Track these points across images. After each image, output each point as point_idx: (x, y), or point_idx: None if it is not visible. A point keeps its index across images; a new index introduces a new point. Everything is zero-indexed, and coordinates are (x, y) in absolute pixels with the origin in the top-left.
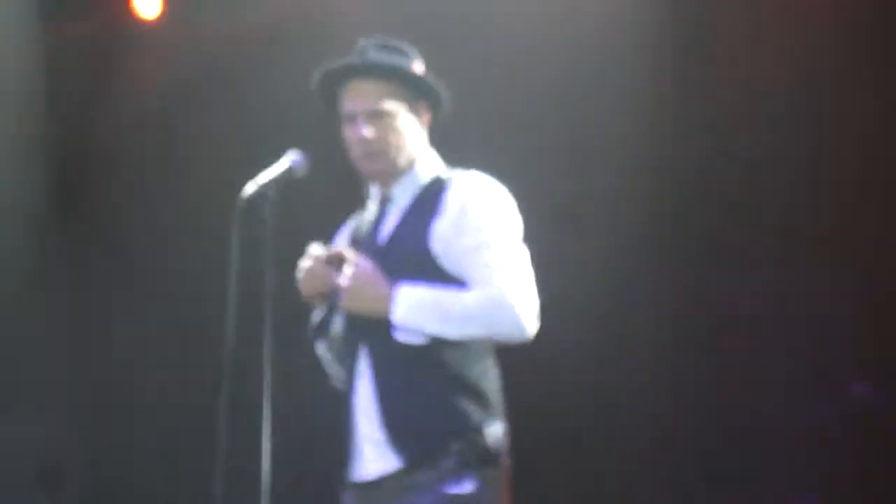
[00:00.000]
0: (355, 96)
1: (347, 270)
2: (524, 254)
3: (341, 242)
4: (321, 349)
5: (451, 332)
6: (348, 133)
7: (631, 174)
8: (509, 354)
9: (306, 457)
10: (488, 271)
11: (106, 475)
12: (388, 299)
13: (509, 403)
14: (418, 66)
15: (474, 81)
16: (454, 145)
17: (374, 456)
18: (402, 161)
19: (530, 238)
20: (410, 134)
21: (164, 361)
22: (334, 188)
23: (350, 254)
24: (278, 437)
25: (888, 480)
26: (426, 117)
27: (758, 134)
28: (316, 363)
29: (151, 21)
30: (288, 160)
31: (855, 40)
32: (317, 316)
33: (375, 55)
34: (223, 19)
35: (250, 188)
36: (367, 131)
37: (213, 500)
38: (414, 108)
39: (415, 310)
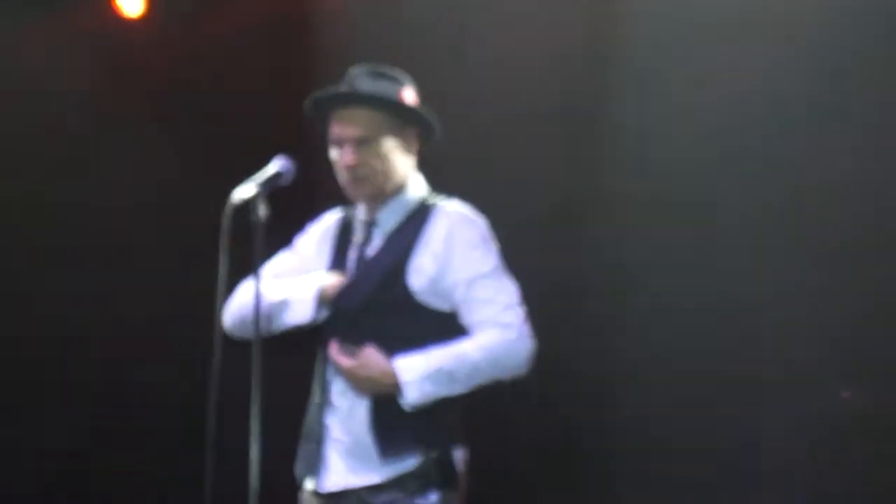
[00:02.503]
0: (344, 123)
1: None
2: (512, 282)
3: (322, 247)
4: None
5: (461, 390)
6: (336, 158)
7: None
8: None
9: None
10: (485, 306)
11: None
12: (394, 385)
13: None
14: (408, 93)
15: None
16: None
17: (340, 468)
18: (388, 186)
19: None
20: (396, 160)
21: (155, 364)
22: (322, 191)
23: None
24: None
25: (876, 483)
26: (414, 143)
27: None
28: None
29: (134, 19)
30: (276, 165)
31: None
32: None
33: (364, 83)
34: (207, 17)
35: (238, 193)
36: (353, 158)
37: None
38: (401, 135)
39: (424, 388)
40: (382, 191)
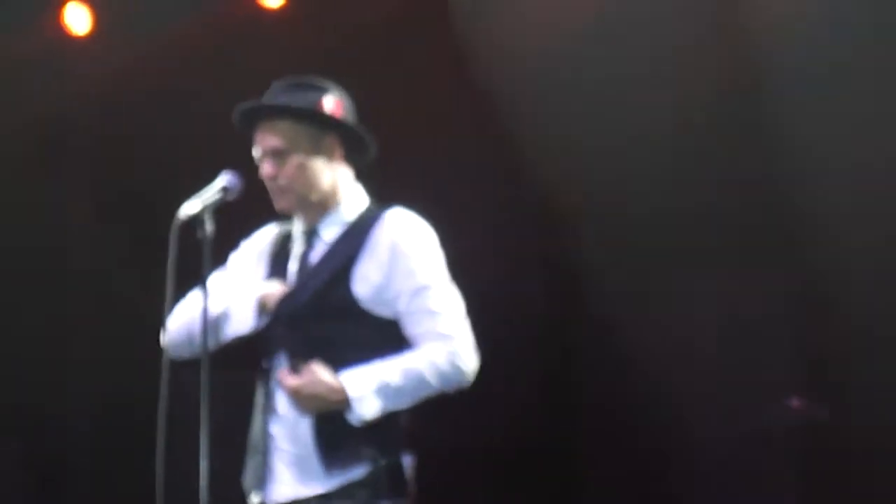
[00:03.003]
0: (260, 137)
1: (293, 382)
2: (457, 293)
3: (260, 259)
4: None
5: (407, 404)
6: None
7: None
8: None
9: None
10: (429, 318)
11: None
12: (342, 401)
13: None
14: (328, 101)
15: None
16: None
17: (288, 479)
18: (312, 196)
19: None
20: (316, 169)
21: (103, 379)
22: (269, 205)
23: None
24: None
25: (827, 493)
26: (337, 152)
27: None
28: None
29: (82, 37)
30: (222, 181)
31: None
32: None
33: (279, 95)
34: (154, 35)
35: (185, 209)
36: (269, 170)
37: None
38: (318, 144)
39: (373, 403)
40: (306, 201)
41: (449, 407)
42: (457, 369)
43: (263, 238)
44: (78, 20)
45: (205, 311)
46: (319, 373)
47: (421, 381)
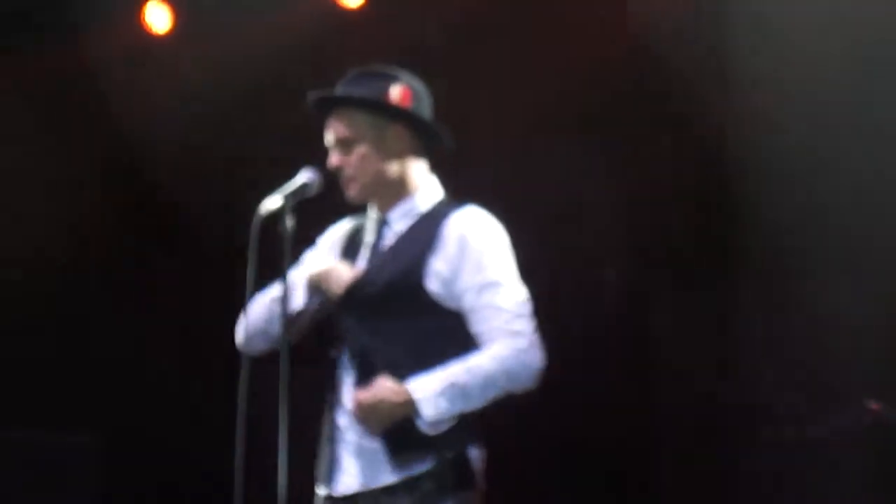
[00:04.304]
0: (329, 126)
1: (358, 397)
2: (524, 291)
3: (331, 250)
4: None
5: (476, 405)
6: None
7: None
8: None
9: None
10: (496, 314)
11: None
12: (409, 406)
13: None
14: (395, 91)
15: None
16: None
17: (354, 470)
18: (379, 186)
19: None
20: (381, 158)
21: (181, 373)
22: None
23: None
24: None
25: None
26: (405, 141)
27: None
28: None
29: (162, 36)
30: (303, 177)
31: None
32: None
33: (346, 86)
34: (232, 34)
35: (266, 204)
36: (336, 159)
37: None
38: (383, 134)
39: (440, 404)
40: (373, 190)
41: (520, 401)
42: (525, 368)
43: (337, 231)
44: (158, 19)
45: (284, 302)
46: (384, 381)
47: (488, 379)
